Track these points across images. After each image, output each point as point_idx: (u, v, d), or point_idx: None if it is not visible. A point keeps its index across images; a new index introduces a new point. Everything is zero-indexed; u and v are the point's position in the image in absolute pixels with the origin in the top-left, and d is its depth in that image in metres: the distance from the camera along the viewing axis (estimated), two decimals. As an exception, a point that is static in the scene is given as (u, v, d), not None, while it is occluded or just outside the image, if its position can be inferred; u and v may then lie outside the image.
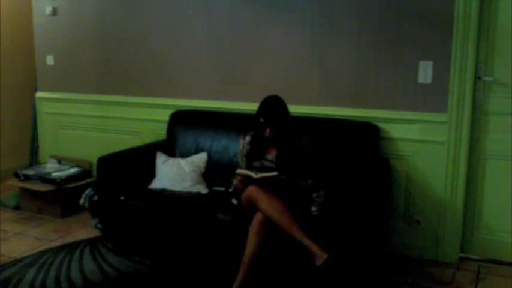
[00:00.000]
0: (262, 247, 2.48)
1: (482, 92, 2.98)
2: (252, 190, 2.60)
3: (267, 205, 2.50)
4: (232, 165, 3.31)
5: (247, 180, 2.65)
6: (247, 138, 2.87)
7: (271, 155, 2.79)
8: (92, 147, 4.14)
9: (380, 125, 3.13)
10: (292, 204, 2.57)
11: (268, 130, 2.73)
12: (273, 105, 2.77)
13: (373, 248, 2.72)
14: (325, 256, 2.32)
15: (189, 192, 3.18)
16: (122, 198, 3.09)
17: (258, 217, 2.51)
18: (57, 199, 3.91)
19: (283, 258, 2.55)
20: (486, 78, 2.96)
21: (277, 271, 2.57)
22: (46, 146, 4.55)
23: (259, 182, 2.61)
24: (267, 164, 2.78)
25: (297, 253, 2.42)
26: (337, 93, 3.27)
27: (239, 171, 2.74)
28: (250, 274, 2.47)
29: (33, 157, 4.90)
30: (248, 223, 2.54)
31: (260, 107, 2.79)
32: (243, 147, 2.88)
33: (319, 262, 2.32)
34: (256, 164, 2.81)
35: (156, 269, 2.96)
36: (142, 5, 3.87)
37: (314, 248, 2.36)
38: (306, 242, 2.38)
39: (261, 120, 2.74)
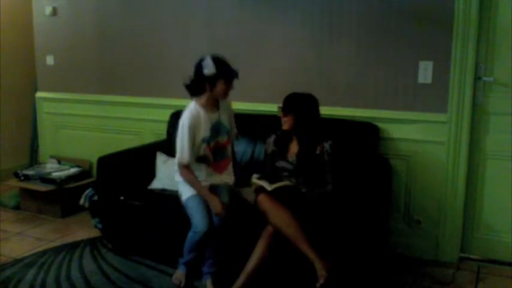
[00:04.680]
0: (267, 261, 2.46)
1: (482, 92, 2.98)
2: (262, 201, 2.57)
3: (276, 218, 2.48)
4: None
5: (262, 190, 2.63)
6: (272, 138, 2.88)
7: (292, 157, 2.77)
8: (92, 147, 4.14)
9: (380, 125, 3.13)
10: (305, 213, 2.53)
11: (285, 118, 2.74)
12: (295, 95, 2.79)
13: (373, 248, 2.72)
14: (326, 275, 2.31)
15: (189, 192, 3.18)
16: (122, 198, 3.09)
17: (268, 230, 2.50)
18: (57, 199, 3.91)
19: (287, 268, 2.54)
20: (486, 78, 2.96)
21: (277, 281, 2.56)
22: (46, 146, 4.55)
23: (273, 193, 2.59)
24: (287, 166, 2.77)
25: (302, 264, 2.40)
26: (337, 93, 3.27)
27: (254, 180, 2.71)
28: (249, 285, 2.45)
29: (33, 157, 4.90)
30: (259, 225, 2.52)
31: None
32: (268, 146, 2.89)
33: (320, 282, 2.31)
34: (277, 164, 2.80)
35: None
36: (143, 5, 3.87)
37: (318, 265, 2.34)
38: (312, 256, 2.36)
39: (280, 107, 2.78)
